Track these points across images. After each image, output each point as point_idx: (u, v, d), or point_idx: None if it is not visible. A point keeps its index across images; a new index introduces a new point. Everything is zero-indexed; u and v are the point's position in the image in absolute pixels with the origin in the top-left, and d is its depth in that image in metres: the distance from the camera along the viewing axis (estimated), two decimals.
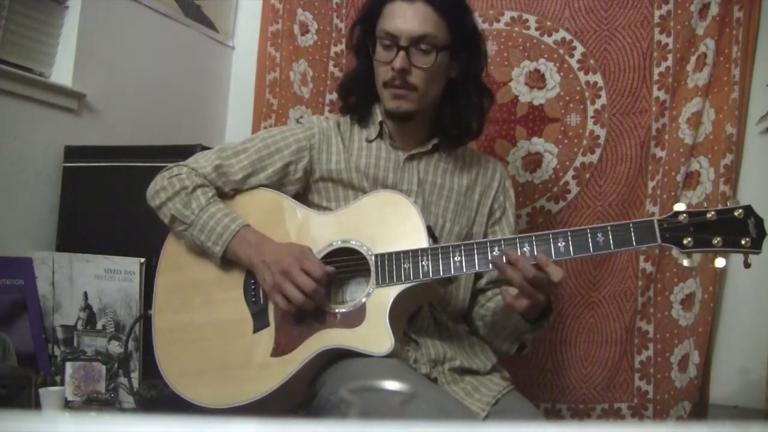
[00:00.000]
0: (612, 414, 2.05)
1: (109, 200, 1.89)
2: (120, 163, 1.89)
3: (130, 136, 2.08)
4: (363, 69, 1.56)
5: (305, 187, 1.55)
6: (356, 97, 1.58)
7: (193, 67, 2.41)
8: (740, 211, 1.23)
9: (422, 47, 1.45)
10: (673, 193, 2.01)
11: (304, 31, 2.29)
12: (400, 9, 1.46)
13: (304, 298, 1.32)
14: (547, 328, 1.52)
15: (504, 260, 1.29)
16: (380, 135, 1.56)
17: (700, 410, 1.96)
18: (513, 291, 1.33)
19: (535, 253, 1.29)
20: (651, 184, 2.06)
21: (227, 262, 1.43)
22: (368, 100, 1.57)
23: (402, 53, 1.44)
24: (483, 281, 1.58)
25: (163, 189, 1.46)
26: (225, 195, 1.50)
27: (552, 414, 2.07)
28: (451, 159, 1.60)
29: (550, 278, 1.26)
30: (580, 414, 2.08)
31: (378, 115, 1.56)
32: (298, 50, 2.29)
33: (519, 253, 1.29)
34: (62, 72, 1.96)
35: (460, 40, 1.50)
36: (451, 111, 1.54)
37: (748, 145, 2.00)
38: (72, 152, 1.93)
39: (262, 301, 1.41)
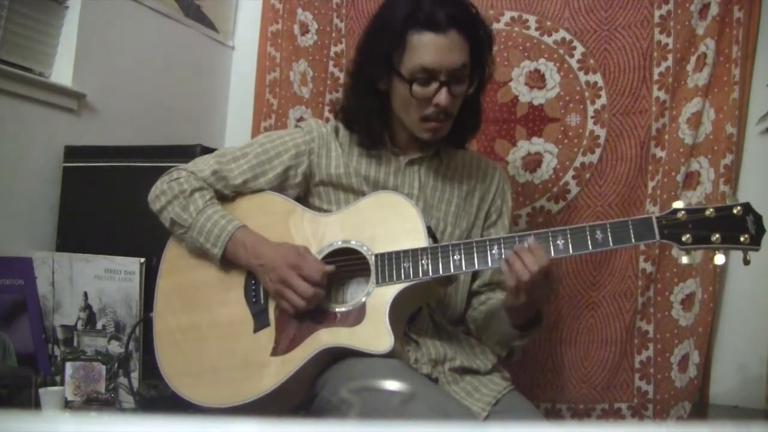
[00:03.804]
0: (612, 414, 2.05)
1: (109, 200, 1.89)
2: (120, 163, 1.89)
3: (130, 136, 2.08)
4: (370, 101, 1.49)
5: (306, 191, 1.55)
6: (362, 127, 1.52)
7: (193, 67, 2.41)
8: (739, 208, 1.23)
9: (458, 76, 1.42)
10: (673, 193, 2.01)
11: (304, 31, 2.29)
12: (434, 42, 1.38)
13: (304, 303, 1.34)
14: (536, 335, 1.51)
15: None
16: (380, 141, 1.55)
17: (700, 410, 1.96)
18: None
19: None
20: (651, 184, 2.06)
21: (228, 262, 1.43)
22: (375, 124, 1.51)
23: (445, 89, 1.40)
24: (476, 283, 1.58)
25: (163, 193, 1.47)
26: (225, 197, 1.50)
27: (552, 414, 2.07)
28: (451, 163, 1.59)
29: (539, 262, 1.26)
30: (580, 414, 2.08)
31: (381, 129, 1.53)
32: (298, 50, 2.29)
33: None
34: (62, 72, 1.96)
35: (480, 58, 1.48)
36: (456, 118, 1.52)
37: (748, 145, 2.00)
38: (72, 152, 1.94)
39: (262, 301, 1.41)
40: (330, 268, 1.36)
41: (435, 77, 1.40)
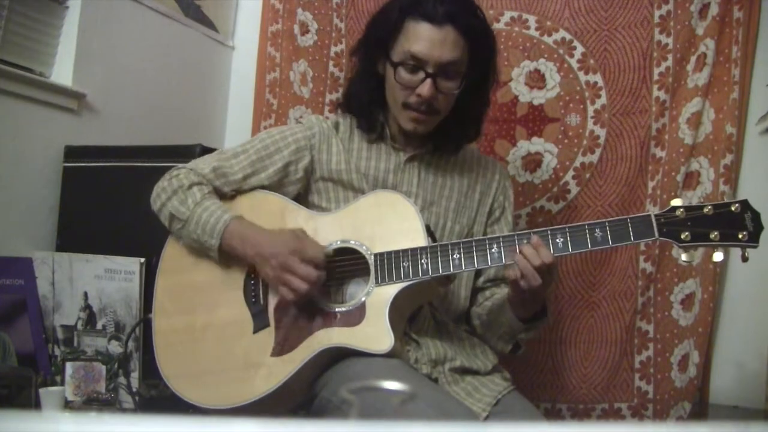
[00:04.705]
0: (612, 414, 2.05)
1: (109, 200, 1.89)
2: (120, 163, 1.89)
3: (130, 136, 2.08)
4: (369, 83, 1.52)
5: (305, 188, 1.55)
6: (362, 110, 1.54)
7: (193, 67, 2.41)
8: (737, 205, 1.24)
9: (448, 72, 1.42)
10: (673, 193, 2.01)
11: (304, 31, 2.29)
12: (427, 32, 1.40)
13: (308, 287, 1.32)
14: (541, 330, 1.52)
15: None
16: (381, 136, 1.56)
17: (700, 410, 1.96)
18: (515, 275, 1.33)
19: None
20: (651, 184, 2.06)
21: (226, 260, 1.43)
22: (373, 108, 1.54)
23: (429, 80, 1.41)
24: (481, 279, 1.58)
25: (163, 190, 1.47)
26: (224, 195, 1.50)
27: (552, 414, 2.07)
28: (451, 159, 1.59)
29: (542, 260, 1.28)
30: (580, 414, 2.08)
31: (380, 117, 1.55)
32: (298, 50, 2.29)
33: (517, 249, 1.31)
34: (62, 72, 1.96)
35: (480, 62, 1.48)
36: (455, 119, 1.52)
37: (748, 145, 2.00)
38: (72, 152, 1.94)
39: (262, 301, 1.41)
40: (329, 249, 1.36)
41: (422, 67, 1.41)
